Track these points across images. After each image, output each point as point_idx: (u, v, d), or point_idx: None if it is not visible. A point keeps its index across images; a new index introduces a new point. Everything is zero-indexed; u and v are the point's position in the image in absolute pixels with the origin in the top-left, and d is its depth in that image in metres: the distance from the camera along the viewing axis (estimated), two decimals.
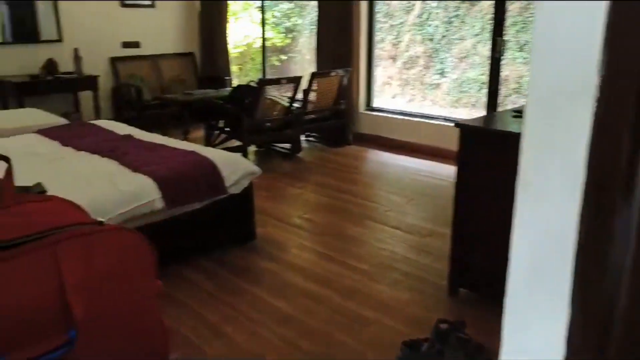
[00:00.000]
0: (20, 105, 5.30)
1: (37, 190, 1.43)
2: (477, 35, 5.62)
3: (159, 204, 2.74)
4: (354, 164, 5.16)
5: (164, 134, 5.86)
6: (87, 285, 1.02)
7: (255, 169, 3.21)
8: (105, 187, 2.66)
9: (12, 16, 5.73)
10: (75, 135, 3.68)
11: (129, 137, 3.59)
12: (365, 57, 5.87)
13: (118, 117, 6.44)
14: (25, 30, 5.84)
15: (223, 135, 5.11)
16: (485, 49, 5.20)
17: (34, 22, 5.85)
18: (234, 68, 7.44)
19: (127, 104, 6.34)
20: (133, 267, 1.12)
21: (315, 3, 5.98)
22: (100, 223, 1.09)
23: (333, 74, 5.30)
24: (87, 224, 1.08)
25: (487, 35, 5.13)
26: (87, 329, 0.99)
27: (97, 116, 5.96)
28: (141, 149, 3.30)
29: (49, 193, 2.51)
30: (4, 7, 5.65)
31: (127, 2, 6.51)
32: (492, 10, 4.93)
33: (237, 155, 3.32)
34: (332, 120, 5.62)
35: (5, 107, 5.61)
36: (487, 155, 2.40)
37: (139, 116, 6.15)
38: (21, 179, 2.74)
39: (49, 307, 0.96)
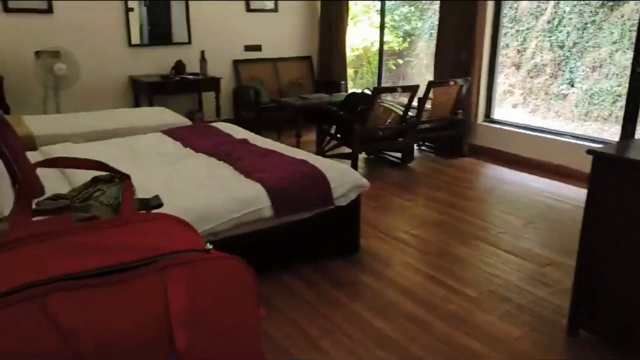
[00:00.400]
0: (151, 103, 5.70)
1: (155, 204, 1.47)
2: (615, 43, 5.13)
3: (268, 212, 2.78)
4: (468, 178, 4.93)
5: (278, 135, 6.06)
6: (191, 314, 1.02)
7: (365, 182, 3.16)
8: (219, 192, 2.75)
9: (150, 19, 6.19)
10: (195, 136, 3.87)
11: (244, 142, 3.70)
12: (487, 65, 5.58)
13: (237, 118, 6.74)
14: (160, 33, 6.29)
15: (334, 141, 5.11)
16: (624, 59, 4.72)
17: (169, 25, 6.29)
18: (349, 71, 7.46)
19: (246, 105, 6.60)
20: (237, 296, 1.11)
21: (437, 7, 5.79)
22: (208, 250, 1.09)
23: (451, 83, 5.09)
24: (196, 250, 1.08)
25: (627, 44, 4.65)
26: (187, 359, 0.99)
27: (218, 116, 6.27)
28: (255, 154, 3.38)
29: (170, 195, 2.65)
30: (144, 10, 6.11)
31: (253, 7, 6.75)
32: (636, 15, 4.45)
33: (347, 167, 3.29)
34: (448, 131, 5.42)
35: (138, 105, 6.08)
36: (623, 183, 2.15)
37: (257, 117, 6.38)
38: (147, 177, 2.93)
39: (152, 335, 0.96)
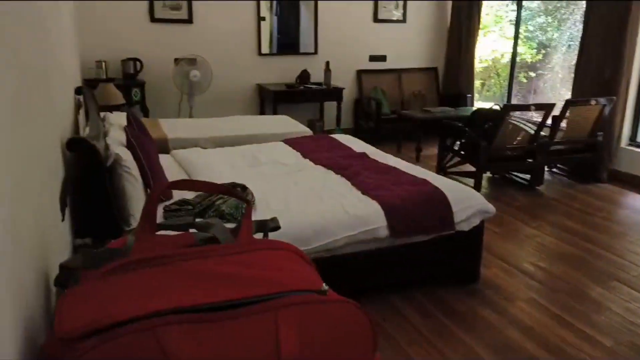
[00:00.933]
0: (275, 111, 5.86)
1: (272, 226, 1.44)
2: None
3: (383, 233, 2.69)
4: (606, 207, 4.45)
5: (398, 148, 5.95)
6: (303, 357, 0.96)
7: (491, 208, 2.95)
8: (335, 208, 2.71)
9: (280, 29, 6.38)
10: (315, 148, 3.88)
11: (363, 156, 3.64)
12: (637, 83, 5.02)
13: (356, 128, 6.72)
14: (288, 43, 6.46)
15: (457, 158, 4.88)
16: None
17: (297, 35, 6.43)
18: (476, 83, 7.13)
19: (366, 116, 6.56)
20: (352, 342, 1.03)
21: (577, 17, 5.31)
22: (324, 292, 1.02)
23: (593, 102, 4.63)
24: (312, 291, 1.02)
25: None
26: None
27: (338, 125, 6.29)
28: (373, 170, 3.30)
29: (287, 208, 2.66)
30: (275, 20, 6.30)
31: (380, 17, 6.70)
32: None
33: (472, 190, 3.09)
34: (585, 153, 4.95)
35: (263, 112, 6.29)
36: None
37: (376, 128, 6.31)
38: (268, 188, 2.97)
39: None
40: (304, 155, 3.72)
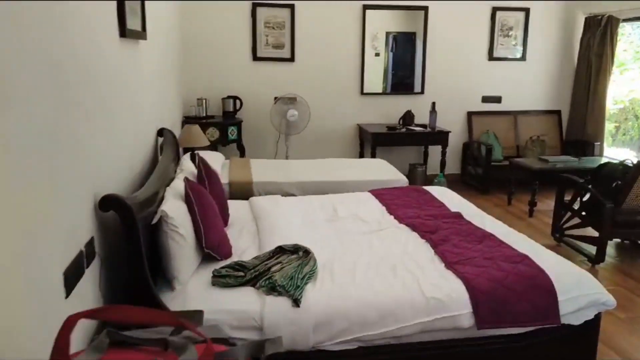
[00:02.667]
0: (373, 154, 5.52)
1: (269, 354, 1.09)
2: None
3: (466, 322, 2.20)
4: None
5: (508, 199, 5.31)
6: None
7: (610, 300, 2.34)
8: (410, 285, 2.28)
9: (394, 65, 6.07)
10: (403, 202, 3.47)
11: (457, 217, 3.16)
12: None
13: (463, 173, 6.18)
14: (401, 81, 6.12)
15: (577, 219, 4.17)
16: None
17: (412, 73, 6.06)
18: (609, 127, 6.23)
19: (475, 161, 5.99)
20: None
21: None
22: None
23: None
24: None
25: None
26: None
27: (442, 170, 5.80)
28: (466, 236, 2.82)
29: (353, 279, 2.29)
30: (390, 56, 6.01)
31: (496, 55, 6.15)
32: None
33: (586, 275, 2.48)
34: None
35: (362, 154, 5.98)
36: None
37: (484, 175, 5.72)
38: (338, 249, 2.63)
39: None
40: (389, 211, 3.33)
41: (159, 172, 2.72)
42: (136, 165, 2.65)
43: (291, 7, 5.59)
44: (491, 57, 6.15)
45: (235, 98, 5.57)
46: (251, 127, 5.72)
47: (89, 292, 1.76)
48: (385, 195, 3.63)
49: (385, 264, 2.49)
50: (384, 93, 6.06)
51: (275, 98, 5.50)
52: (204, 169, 2.97)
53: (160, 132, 3.45)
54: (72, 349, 0.95)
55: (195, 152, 3.84)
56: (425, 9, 5.87)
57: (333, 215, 3.26)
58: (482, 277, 2.32)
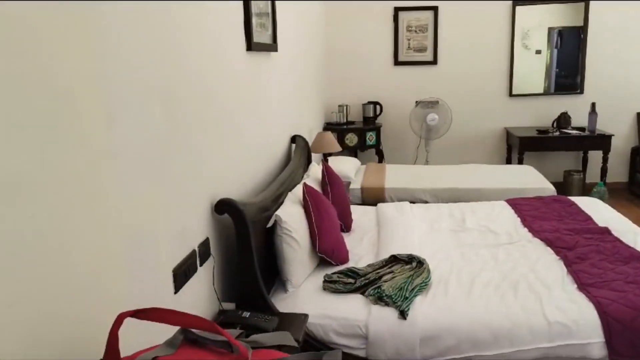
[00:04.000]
0: (520, 160, 5.15)
1: None
2: None
3: (597, 352, 1.96)
4: None
5: None
6: None
7: None
8: (532, 306, 2.09)
9: (559, 65, 5.62)
10: (542, 214, 3.19)
11: (603, 232, 2.81)
12: None
13: (631, 182, 5.49)
14: (566, 80, 5.64)
15: None
16: None
17: (581, 71, 5.53)
18: None
19: None
20: None
21: None
22: None
23: None
24: None
25: None
26: None
27: (603, 178, 5.19)
28: (609, 255, 2.50)
29: (464, 298, 2.17)
30: (554, 53, 5.57)
31: None
32: None
33: None
34: None
35: (509, 160, 5.61)
36: None
37: None
38: (457, 265, 2.51)
39: None
40: (524, 223, 3.08)
41: (283, 178, 2.85)
42: (261, 171, 2.81)
43: (434, 9, 5.45)
44: None
45: (375, 103, 5.60)
46: (391, 132, 5.70)
47: (202, 289, 1.91)
48: (523, 206, 3.37)
49: (507, 281, 2.31)
50: (536, 94, 5.61)
51: (417, 102, 5.41)
52: (327, 175, 3.04)
53: (294, 139, 3.61)
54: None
55: (328, 157, 3.96)
56: (586, 1, 5.32)
57: (460, 225, 3.11)
58: (620, 302, 2.04)
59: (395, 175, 4.45)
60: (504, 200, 3.57)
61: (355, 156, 5.60)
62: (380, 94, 5.66)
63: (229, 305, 2.04)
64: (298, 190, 2.68)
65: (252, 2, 2.51)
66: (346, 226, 3.07)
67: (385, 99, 5.65)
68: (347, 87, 5.70)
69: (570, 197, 3.48)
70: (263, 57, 2.85)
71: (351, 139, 5.33)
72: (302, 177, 3.21)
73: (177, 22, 1.72)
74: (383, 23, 5.56)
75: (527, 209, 3.30)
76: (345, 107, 5.50)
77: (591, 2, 5.31)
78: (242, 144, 2.46)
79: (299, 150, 3.50)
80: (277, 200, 2.56)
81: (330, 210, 2.64)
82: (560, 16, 5.49)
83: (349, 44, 5.61)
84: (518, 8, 5.38)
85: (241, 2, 2.44)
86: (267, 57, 2.94)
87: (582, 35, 5.41)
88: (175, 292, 1.65)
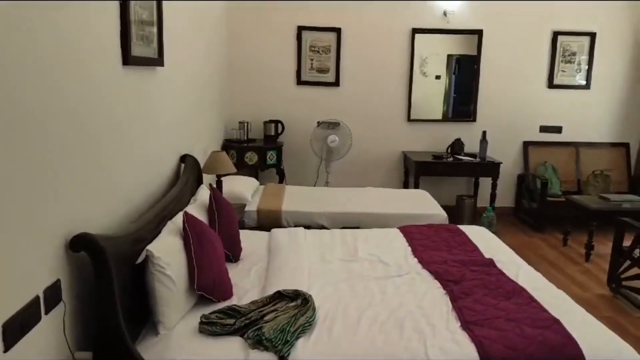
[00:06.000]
0: (417, 184, 5.25)
1: None
2: None
3: None
4: None
5: (564, 239, 4.86)
6: None
7: None
8: (414, 348, 2.02)
9: (457, 90, 5.80)
10: (432, 243, 3.20)
11: (488, 265, 2.85)
12: None
13: (517, 207, 5.79)
14: (461, 107, 5.83)
15: (637, 269, 3.71)
16: None
17: (469, 100, 5.74)
18: None
19: (529, 195, 5.56)
20: None
21: None
22: None
23: None
24: None
25: None
26: None
27: (492, 203, 5.42)
28: (493, 289, 2.52)
29: (351, 336, 2.07)
30: (452, 79, 5.74)
31: (557, 82, 5.72)
32: None
33: (621, 345, 2.12)
34: None
35: (407, 182, 5.71)
36: None
37: (539, 211, 5.30)
38: (345, 297, 2.40)
39: None
40: (415, 253, 3.06)
41: (166, 202, 2.63)
42: (142, 195, 2.57)
43: (337, 30, 5.45)
44: (551, 85, 5.73)
45: (277, 122, 5.48)
46: (293, 151, 5.60)
47: (50, 339, 1.65)
48: (414, 234, 3.37)
49: (394, 318, 2.24)
50: (433, 120, 5.77)
51: (318, 122, 5.36)
52: (215, 200, 2.85)
53: (183, 159, 3.38)
54: None
55: (221, 179, 3.76)
56: (479, 32, 5.57)
57: (352, 255, 3.04)
58: (500, 343, 2.03)
59: (293, 198, 4.34)
60: (397, 228, 3.56)
61: (256, 175, 5.45)
62: (282, 113, 5.56)
63: (84, 355, 1.79)
64: (177, 219, 2.46)
65: (131, 9, 2.29)
66: (234, 256, 2.89)
67: (287, 117, 5.56)
68: (249, 104, 5.55)
69: (459, 227, 3.54)
70: (146, 72, 2.62)
71: (251, 157, 5.17)
72: (189, 201, 2.99)
73: (28, 26, 1.47)
74: (286, 41, 5.48)
75: (418, 237, 3.30)
76: (245, 124, 5.33)
77: (484, 34, 5.56)
78: (116, 166, 2.22)
79: (188, 172, 3.28)
80: (157, 228, 2.34)
81: (214, 240, 2.45)
82: (459, 44, 5.71)
83: (251, 60, 5.47)
84: (417, 35, 5.51)
85: (117, 9, 2.21)
86: (152, 72, 2.71)
87: (475, 66, 5.65)
88: (6, 351, 1.39)
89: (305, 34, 5.46)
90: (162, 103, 2.94)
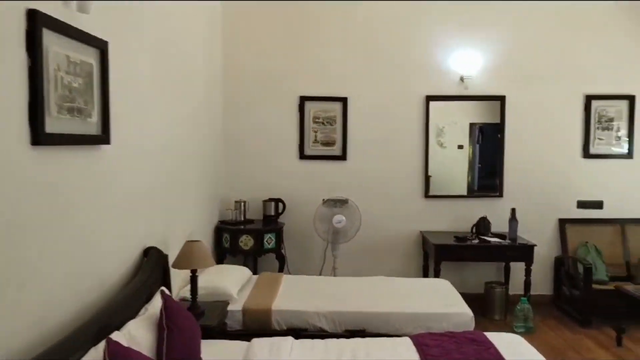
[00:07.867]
0: (437, 271, 4.53)
1: None
2: None
3: None
4: None
5: (617, 338, 4.02)
6: None
7: None
8: None
9: (481, 162, 5.23)
10: (448, 354, 2.48)
11: None
12: None
13: (556, 296, 4.99)
14: (486, 181, 5.20)
15: None
16: None
17: (494, 172, 5.12)
18: None
19: (570, 282, 4.77)
20: None
21: None
22: None
23: None
24: None
25: None
26: None
27: (527, 291, 4.64)
28: None
29: None
30: (476, 148, 5.16)
31: (593, 151, 5.08)
32: None
33: None
34: None
35: (426, 269, 5.00)
36: None
37: (583, 300, 4.49)
38: None
39: None
40: None
41: (99, 316, 2.02)
42: (61, 312, 1.96)
43: (343, 100, 4.98)
44: (587, 154, 5.07)
45: (277, 200, 4.92)
46: (295, 233, 4.99)
47: None
48: (430, 348, 2.65)
49: None
50: (453, 195, 5.12)
51: (323, 200, 4.77)
52: (166, 313, 2.22)
53: (145, 252, 2.80)
54: None
55: (196, 274, 3.13)
56: (501, 98, 5.02)
57: None
58: None
59: (289, 291, 3.70)
60: (409, 337, 2.84)
61: (254, 262, 4.83)
62: (283, 190, 5.00)
63: None
64: (99, 346, 1.84)
65: (47, 75, 1.79)
66: None
67: (289, 195, 4.99)
68: (247, 181, 5.02)
69: (488, 335, 2.81)
70: (79, 153, 2.09)
71: (246, 241, 4.57)
72: (139, 312, 2.37)
73: None
74: (288, 112, 5.01)
75: (435, 354, 2.58)
76: (242, 204, 4.77)
77: (507, 101, 5.01)
78: (25, 273, 1.64)
79: (149, 269, 2.68)
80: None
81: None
82: (481, 111, 5.16)
83: (249, 132, 5.00)
84: (432, 103, 4.99)
85: (25, 76, 1.71)
86: (89, 152, 2.18)
87: (499, 135, 5.07)
88: None
89: (309, 104, 4.99)
90: (111, 188, 2.39)
